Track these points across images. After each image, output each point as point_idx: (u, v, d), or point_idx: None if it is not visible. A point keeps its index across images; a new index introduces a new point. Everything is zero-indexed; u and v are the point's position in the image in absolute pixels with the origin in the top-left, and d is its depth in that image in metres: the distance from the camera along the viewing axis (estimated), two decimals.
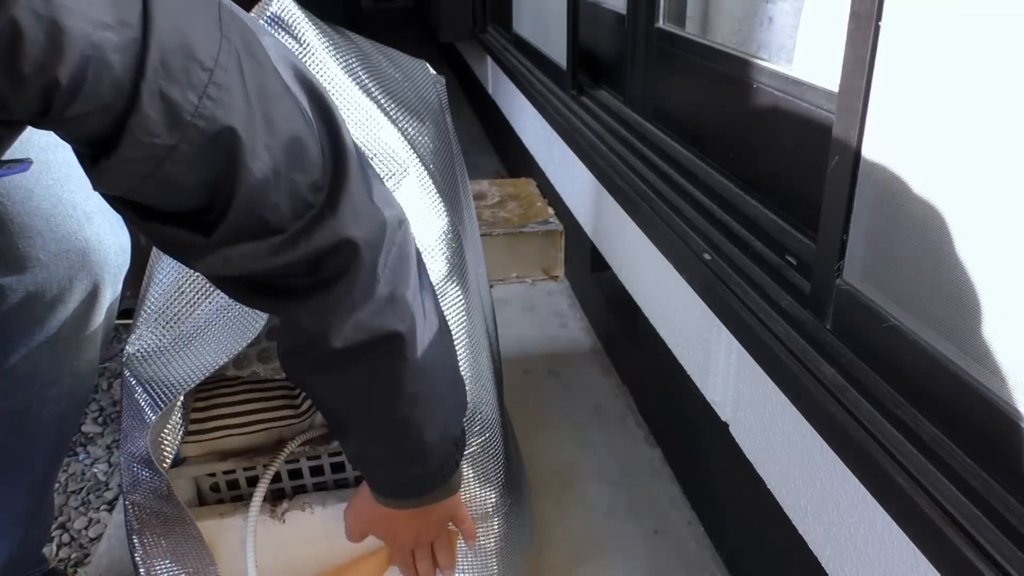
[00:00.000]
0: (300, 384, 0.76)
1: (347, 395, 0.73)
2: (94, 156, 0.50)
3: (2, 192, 0.81)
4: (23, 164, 0.52)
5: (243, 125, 0.52)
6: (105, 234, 0.87)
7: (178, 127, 0.49)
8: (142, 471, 0.88)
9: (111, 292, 0.88)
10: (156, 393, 0.84)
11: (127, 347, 0.88)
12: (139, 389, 0.85)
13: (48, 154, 0.84)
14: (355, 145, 0.63)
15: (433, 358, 0.73)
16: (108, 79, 0.45)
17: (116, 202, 0.55)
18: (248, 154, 0.53)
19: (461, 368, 0.93)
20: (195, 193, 0.54)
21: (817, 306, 0.84)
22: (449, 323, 0.93)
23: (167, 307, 0.88)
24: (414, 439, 0.75)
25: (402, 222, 0.68)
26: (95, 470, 1.50)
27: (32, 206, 0.82)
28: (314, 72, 0.94)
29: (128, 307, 1.85)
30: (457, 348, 0.93)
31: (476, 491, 0.96)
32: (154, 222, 0.56)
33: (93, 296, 0.86)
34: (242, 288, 0.63)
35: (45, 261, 0.82)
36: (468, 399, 0.90)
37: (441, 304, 0.93)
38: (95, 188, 0.53)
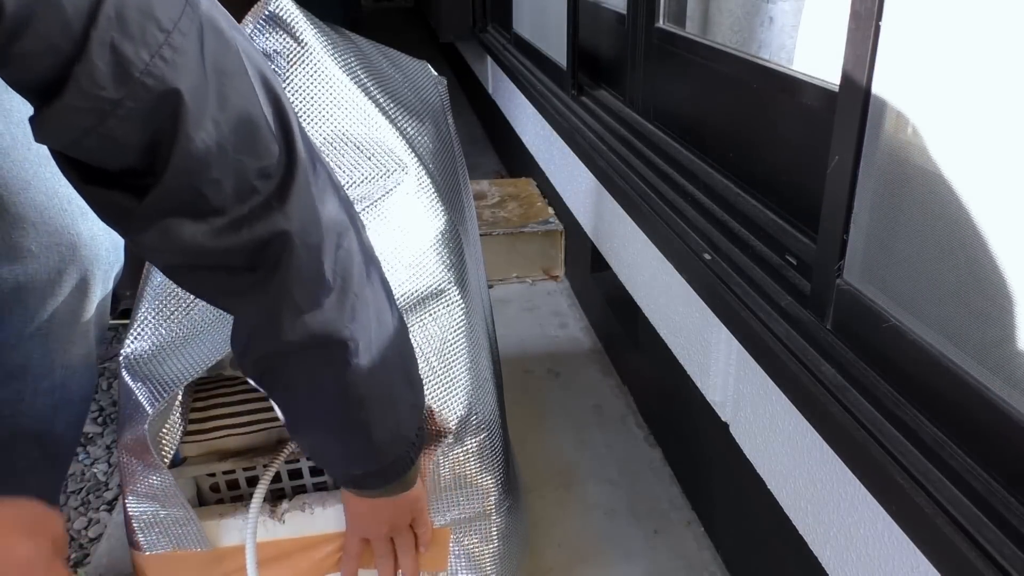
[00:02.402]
0: (255, 382, 0.76)
1: (295, 394, 0.72)
2: (39, 104, 0.49)
3: (0, 182, 0.81)
4: None
5: (192, 92, 0.51)
6: (98, 230, 0.88)
7: (125, 83, 0.48)
8: (141, 469, 0.88)
9: (101, 288, 0.89)
10: (153, 391, 0.84)
11: (124, 347, 0.88)
12: (137, 387, 0.85)
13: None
14: (308, 144, 0.62)
15: (385, 361, 0.72)
16: (58, 19, 0.45)
17: (60, 160, 0.54)
18: (192, 121, 0.52)
19: (460, 369, 0.93)
20: (134, 152, 0.53)
21: (817, 306, 0.84)
22: (449, 324, 0.93)
23: (163, 306, 0.88)
24: (362, 439, 0.75)
25: (351, 226, 0.67)
26: (95, 470, 1.50)
27: (28, 197, 0.83)
28: (313, 72, 0.94)
29: (128, 307, 1.85)
30: (456, 349, 0.93)
31: (476, 490, 0.96)
32: (93, 185, 0.55)
33: (82, 290, 0.87)
34: (187, 276, 0.62)
35: (36, 252, 0.83)
36: (466, 401, 0.91)
37: (440, 305, 0.93)
38: (37, 139, 0.52)
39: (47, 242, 0.84)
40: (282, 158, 0.58)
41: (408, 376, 0.79)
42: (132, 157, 0.53)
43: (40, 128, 0.50)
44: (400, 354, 0.76)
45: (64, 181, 0.85)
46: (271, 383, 0.73)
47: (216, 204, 0.56)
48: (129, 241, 0.59)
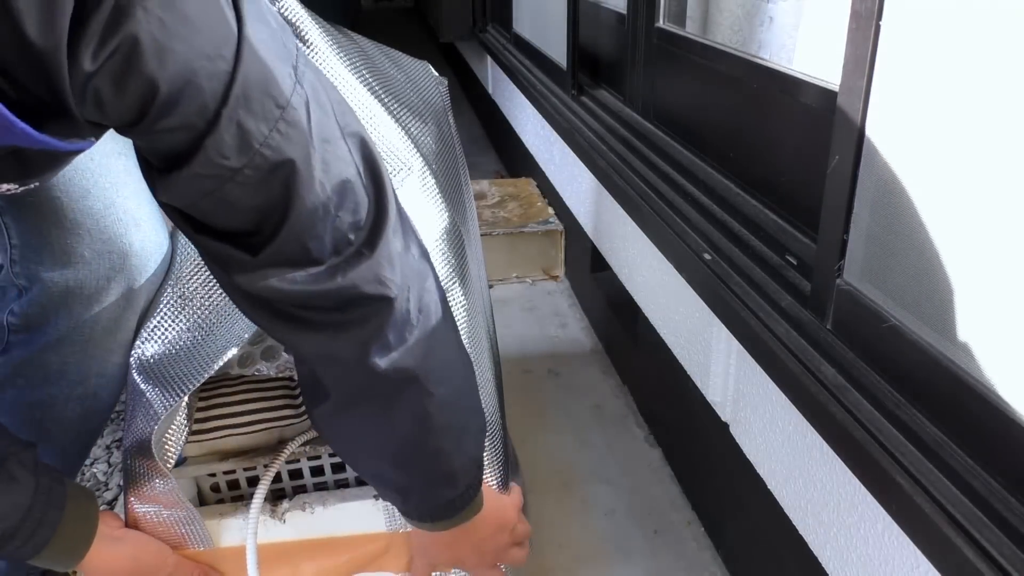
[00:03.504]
0: (328, 432, 0.81)
1: (378, 433, 0.76)
2: (166, 169, 0.55)
3: (61, 188, 0.84)
4: (87, 142, 0.55)
5: (303, 160, 0.58)
6: (149, 242, 0.90)
7: (247, 152, 0.55)
8: (145, 470, 0.88)
9: (145, 299, 0.91)
10: (164, 393, 0.85)
11: (134, 349, 0.88)
12: (148, 388, 0.86)
13: (110, 160, 0.88)
14: (396, 200, 0.68)
15: (458, 389, 0.78)
16: (198, 101, 0.52)
17: (175, 213, 0.61)
18: (304, 186, 0.58)
19: None
20: (248, 215, 0.59)
21: (817, 306, 0.84)
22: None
23: (173, 307, 0.89)
24: (444, 467, 0.79)
25: (430, 269, 0.73)
26: (95, 470, 1.50)
27: (86, 205, 0.85)
28: (320, 71, 0.94)
29: None
30: None
31: None
32: (205, 236, 0.61)
33: (127, 300, 0.89)
34: (266, 312, 0.67)
35: (88, 258, 0.86)
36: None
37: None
38: (157, 198, 0.59)
39: (100, 249, 0.86)
40: (371, 211, 0.65)
41: (476, 402, 0.84)
42: (244, 219, 0.59)
43: (165, 190, 0.57)
44: (470, 383, 0.82)
45: (123, 193, 0.89)
46: (352, 429, 0.76)
47: (316, 256, 0.62)
48: (228, 283, 0.65)
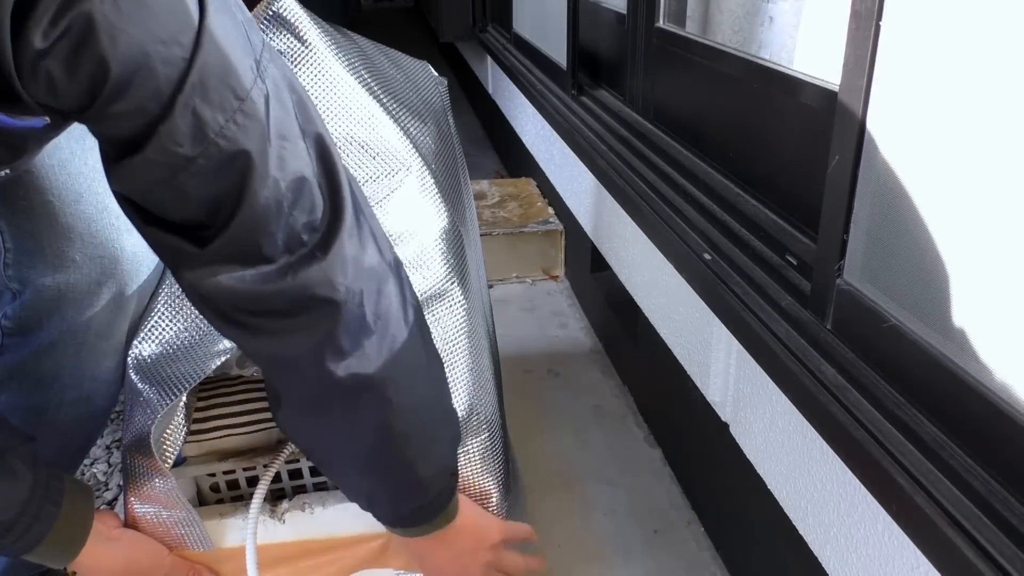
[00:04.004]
0: (292, 435, 0.80)
1: (339, 439, 0.75)
2: (119, 156, 0.55)
3: (54, 192, 0.84)
4: (38, 119, 0.56)
5: (259, 154, 0.57)
6: (141, 247, 0.90)
7: (201, 142, 0.54)
8: (145, 471, 0.88)
9: (137, 304, 0.91)
10: (161, 392, 0.85)
11: (131, 348, 0.88)
12: (145, 388, 0.86)
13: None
14: (354, 198, 0.67)
15: (424, 398, 0.76)
16: (151, 86, 0.51)
17: (125, 203, 0.60)
18: (258, 179, 0.58)
19: (462, 369, 0.93)
20: (200, 207, 0.58)
21: (817, 306, 0.84)
22: (450, 324, 0.93)
23: (170, 307, 0.89)
24: (409, 476, 0.78)
25: (395, 269, 0.72)
26: (95, 470, 1.50)
27: (79, 209, 0.85)
28: (318, 72, 0.94)
29: None
30: (457, 350, 0.93)
31: (477, 492, 0.96)
32: (155, 227, 0.60)
33: (119, 304, 0.89)
34: (214, 312, 0.66)
35: (80, 262, 0.86)
36: (467, 401, 0.91)
37: (442, 305, 0.93)
38: (111, 185, 0.58)
39: (91, 254, 0.86)
40: (326, 213, 0.64)
41: (445, 411, 0.82)
42: (196, 210, 0.58)
43: (117, 177, 0.56)
44: (438, 391, 0.80)
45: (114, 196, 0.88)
46: (311, 431, 0.76)
47: (267, 254, 0.61)
48: (179, 280, 0.65)
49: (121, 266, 0.88)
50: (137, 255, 0.90)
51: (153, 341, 0.88)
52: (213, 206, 0.58)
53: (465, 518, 0.86)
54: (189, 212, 0.59)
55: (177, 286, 0.89)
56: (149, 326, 0.88)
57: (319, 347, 0.66)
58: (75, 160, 0.85)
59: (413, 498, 0.80)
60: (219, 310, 0.65)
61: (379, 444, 0.74)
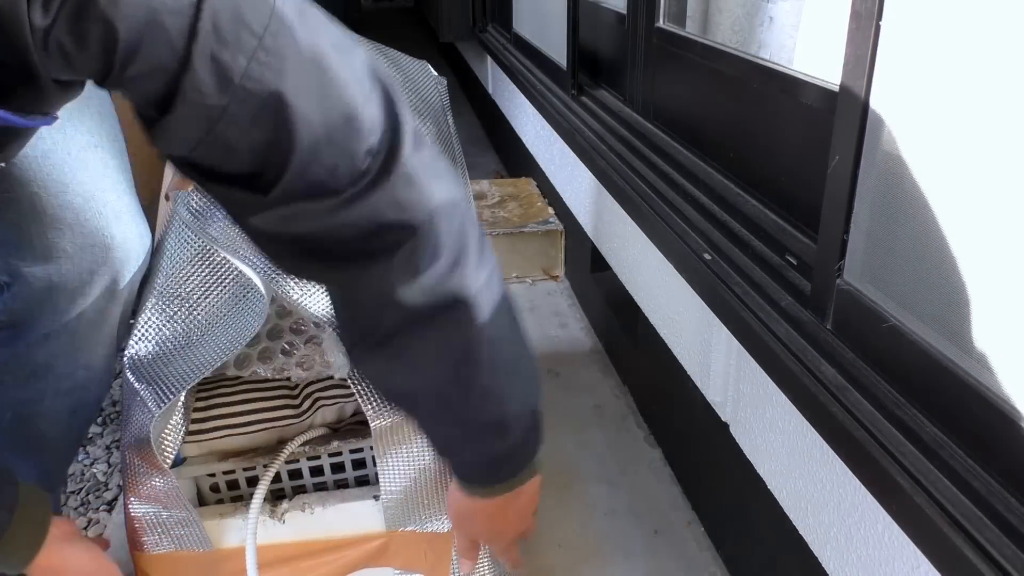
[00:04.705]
0: (372, 377, 0.77)
1: (422, 371, 0.72)
2: (153, 119, 0.53)
3: (39, 183, 0.84)
4: (49, 118, 0.54)
5: (292, 90, 0.54)
6: (130, 234, 0.89)
7: (227, 89, 0.52)
8: (144, 470, 0.88)
9: (128, 291, 0.91)
10: (158, 392, 0.85)
11: (128, 347, 0.88)
12: (141, 388, 0.85)
13: (87, 153, 0.87)
14: (413, 120, 0.63)
15: (501, 326, 0.72)
16: (163, 39, 0.49)
17: (180, 164, 0.58)
18: (300, 118, 0.55)
19: None
20: (249, 156, 0.56)
21: (817, 306, 0.84)
22: None
23: (167, 307, 0.89)
24: (494, 410, 0.74)
25: (461, 195, 0.68)
26: (95, 470, 1.50)
27: (66, 200, 0.85)
28: None
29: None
30: None
31: None
32: (214, 183, 0.58)
33: (111, 292, 0.89)
34: (294, 251, 0.63)
35: (71, 253, 0.85)
36: None
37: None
38: (158, 148, 0.56)
39: (82, 243, 0.86)
40: (386, 133, 0.60)
41: (523, 343, 0.77)
42: (247, 159, 0.56)
43: (157, 140, 0.54)
44: (511, 320, 0.75)
45: (102, 186, 0.88)
46: (393, 367, 0.72)
47: (332, 187, 0.58)
48: (245, 228, 0.62)
49: (112, 254, 0.88)
50: (128, 242, 0.89)
51: (147, 341, 0.88)
52: (262, 153, 0.56)
53: (524, 492, 0.81)
54: (241, 163, 0.56)
55: (165, 284, 0.89)
56: (141, 326, 0.88)
57: (396, 271, 0.64)
58: (58, 150, 0.84)
59: (498, 441, 0.76)
60: (291, 249, 0.63)
61: (467, 373, 0.71)
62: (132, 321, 0.93)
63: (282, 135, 0.55)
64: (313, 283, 0.82)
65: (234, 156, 0.56)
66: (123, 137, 0.96)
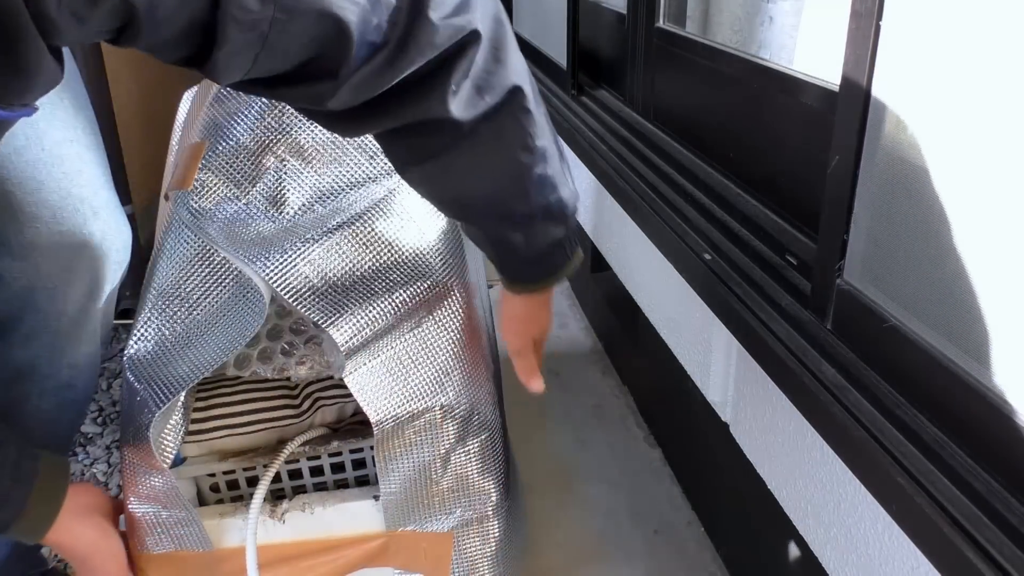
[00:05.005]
0: (426, 182, 0.79)
1: (483, 167, 0.75)
2: (202, 62, 0.54)
3: (14, 181, 0.83)
4: (28, 109, 0.54)
5: None
6: (109, 230, 0.89)
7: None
8: (143, 470, 0.88)
9: (109, 286, 0.90)
10: (157, 392, 0.85)
11: (127, 348, 0.88)
12: (141, 388, 0.85)
13: (62, 148, 0.86)
14: None
15: (544, 115, 0.77)
16: None
17: (244, 86, 0.59)
18: (344, 5, 0.56)
19: (461, 369, 0.93)
20: (307, 51, 0.57)
21: (818, 306, 0.84)
22: (449, 324, 0.93)
23: (167, 307, 0.88)
24: (551, 195, 0.78)
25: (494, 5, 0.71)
26: (95, 470, 1.50)
27: (41, 197, 0.84)
28: None
29: (128, 307, 1.85)
30: (457, 349, 0.93)
31: (476, 493, 0.96)
32: (283, 87, 0.60)
33: (92, 288, 0.88)
34: (367, 114, 0.66)
35: (49, 251, 0.85)
36: (467, 401, 0.90)
37: (442, 304, 0.93)
38: (221, 83, 0.57)
39: (59, 241, 0.85)
40: None
41: (555, 134, 0.82)
42: (306, 53, 0.57)
43: (216, 77, 0.55)
44: (546, 111, 0.79)
45: (78, 182, 0.87)
46: (455, 167, 0.74)
47: (379, 41, 0.60)
48: (328, 120, 0.66)
49: (91, 251, 0.87)
50: (107, 239, 0.89)
51: (146, 341, 0.88)
52: (320, 43, 0.57)
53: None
54: (302, 58, 0.58)
55: (164, 283, 0.89)
56: (140, 325, 0.88)
57: (455, 80, 0.66)
58: (31, 146, 0.83)
59: (557, 225, 0.81)
60: (365, 114, 0.66)
61: (523, 161, 0.75)
62: (128, 322, 0.92)
63: (330, 21, 0.56)
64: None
65: (293, 56, 0.57)
66: (113, 132, 0.95)
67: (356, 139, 0.95)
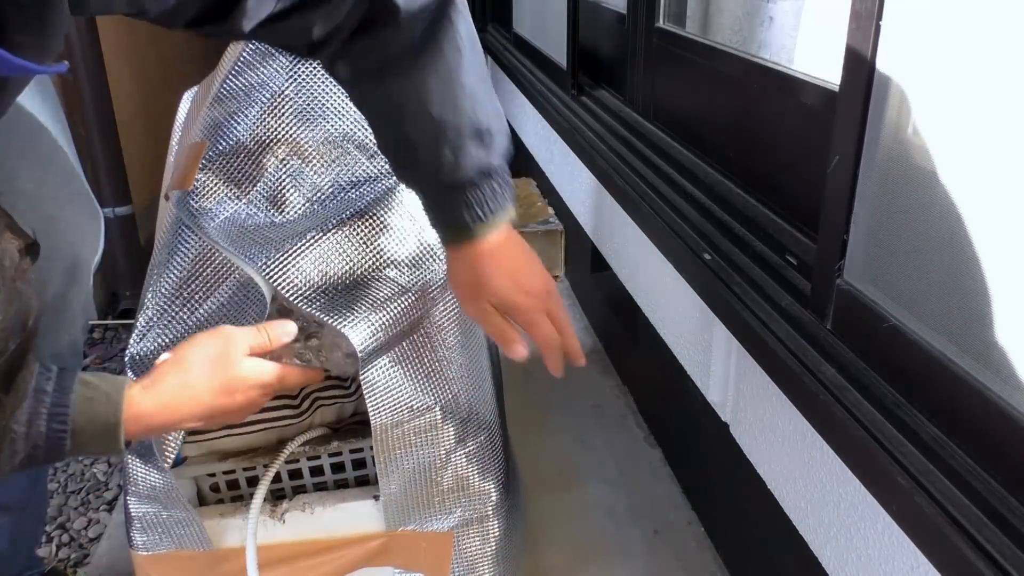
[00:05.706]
0: (372, 106, 0.81)
1: (416, 66, 0.77)
2: (234, 9, 0.62)
3: None
4: (62, 64, 0.57)
5: None
6: (84, 217, 0.89)
7: None
8: (143, 470, 0.88)
9: (86, 273, 0.91)
10: None
11: (129, 347, 0.88)
12: None
13: (33, 136, 0.87)
14: None
15: (473, 32, 0.80)
16: None
17: (269, 21, 0.66)
18: None
19: (460, 369, 0.93)
20: None
21: (817, 306, 0.84)
22: (447, 324, 0.93)
23: (168, 307, 0.88)
24: (479, 111, 0.80)
25: None
26: (95, 470, 1.50)
27: (17, 186, 0.85)
28: (317, 72, 0.94)
29: (128, 307, 1.84)
30: (455, 349, 0.93)
31: (476, 493, 0.96)
32: (301, 12, 0.67)
33: (70, 277, 0.89)
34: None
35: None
36: (467, 401, 0.90)
37: (441, 305, 0.93)
38: (247, 27, 0.64)
39: (36, 229, 0.85)
40: None
41: (487, 80, 0.84)
42: None
43: (244, 21, 0.63)
44: (480, 54, 0.82)
45: (51, 170, 0.88)
46: (399, 85, 0.77)
47: None
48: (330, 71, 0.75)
49: (67, 237, 0.88)
50: (82, 224, 0.89)
51: (147, 341, 0.88)
52: None
53: (509, 236, 0.85)
54: None
55: (165, 284, 0.89)
56: (142, 326, 0.88)
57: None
58: (2, 137, 0.84)
59: (483, 148, 0.82)
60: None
61: (455, 61, 0.78)
62: (128, 322, 0.92)
63: None
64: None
65: None
66: (114, 132, 0.95)
67: (356, 139, 0.95)
